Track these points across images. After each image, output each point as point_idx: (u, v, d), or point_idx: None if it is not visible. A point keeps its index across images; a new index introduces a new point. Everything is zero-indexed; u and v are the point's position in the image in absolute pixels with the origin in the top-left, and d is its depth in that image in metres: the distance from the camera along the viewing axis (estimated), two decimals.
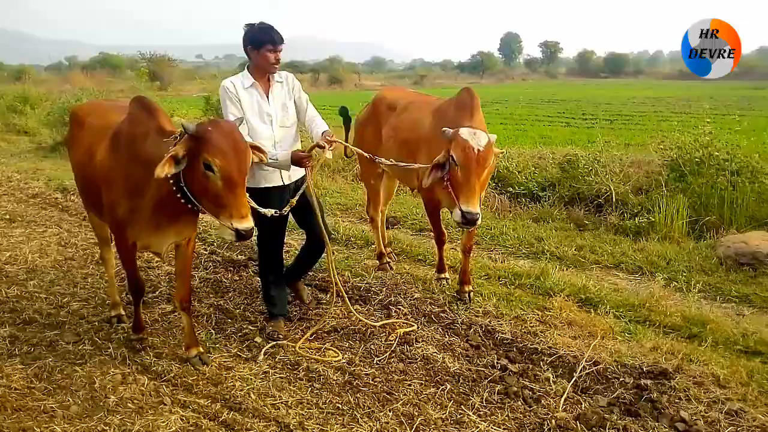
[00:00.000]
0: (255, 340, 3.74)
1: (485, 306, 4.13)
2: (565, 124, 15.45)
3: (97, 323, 3.95)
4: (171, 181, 2.83)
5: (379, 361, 3.49)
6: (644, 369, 3.29)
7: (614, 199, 6.43)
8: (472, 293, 4.26)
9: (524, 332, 3.77)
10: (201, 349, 3.51)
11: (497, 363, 3.41)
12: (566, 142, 11.10)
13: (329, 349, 3.61)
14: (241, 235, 2.77)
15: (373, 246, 5.41)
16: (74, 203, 7.06)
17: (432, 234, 6.05)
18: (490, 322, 3.92)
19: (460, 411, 2.99)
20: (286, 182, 3.67)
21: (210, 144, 2.71)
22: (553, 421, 2.88)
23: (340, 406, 3.05)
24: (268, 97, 3.58)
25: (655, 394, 3.05)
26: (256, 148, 3.09)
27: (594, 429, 2.83)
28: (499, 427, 2.87)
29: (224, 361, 3.49)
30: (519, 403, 3.05)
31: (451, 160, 3.58)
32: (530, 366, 3.40)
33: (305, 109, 3.74)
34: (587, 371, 3.30)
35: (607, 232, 5.95)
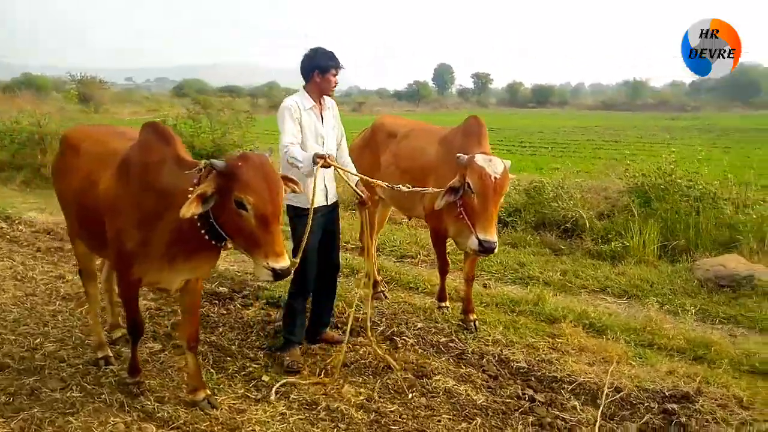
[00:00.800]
0: (262, 378, 3.50)
1: (493, 334, 4.06)
2: (506, 151, 15.93)
3: (81, 366, 3.59)
4: (195, 216, 2.63)
5: (400, 396, 3.34)
6: (666, 393, 3.31)
7: (588, 225, 6.59)
8: (477, 321, 4.19)
9: (539, 360, 3.73)
10: (208, 392, 3.24)
11: (522, 393, 3.34)
12: (514, 169, 11.38)
13: (341, 386, 3.42)
14: (278, 275, 2.60)
15: (359, 274, 5.27)
16: (23, 233, 6.51)
17: (415, 261, 6.06)
18: (501, 350, 3.85)
19: None
20: (329, 202, 3.67)
21: (241, 181, 2.55)
22: None
23: None
24: (322, 120, 3.63)
25: (684, 418, 3.07)
26: (288, 179, 2.92)
27: None
28: None
29: (233, 404, 3.23)
30: None
31: (467, 187, 3.54)
32: (553, 395, 3.35)
33: (341, 136, 3.86)
34: (611, 398, 3.29)
35: (584, 257, 6.07)
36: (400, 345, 3.94)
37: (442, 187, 3.69)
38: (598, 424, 3.04)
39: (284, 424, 3.04)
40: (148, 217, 2.81)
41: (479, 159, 3.51)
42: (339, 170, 3.55)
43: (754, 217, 5.95)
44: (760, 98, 47.33)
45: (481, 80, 66.80)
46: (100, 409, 3.09)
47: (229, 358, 3.75)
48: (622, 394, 3.32)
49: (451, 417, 3.13)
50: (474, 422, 3.06)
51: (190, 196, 2.58)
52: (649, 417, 3.11)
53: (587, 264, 5.83)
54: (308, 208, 3.27)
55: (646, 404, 3.23)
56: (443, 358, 3.77)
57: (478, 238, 3.48)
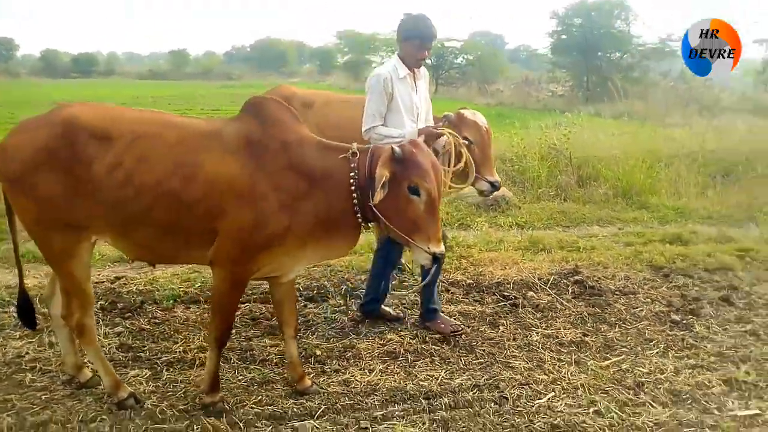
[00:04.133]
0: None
1: None
2: None
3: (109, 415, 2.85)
4: (355, 200, 2.71)
5: None
6: (563, 271, 5.10)
7: None
8: None
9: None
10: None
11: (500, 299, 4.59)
12: None
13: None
14: (437, 259, 2.70)
15: None
16: None
17: None
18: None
19: None
20: None
21: (418, 167, 2.64)
22: None
23: None
24: (416, 90, 3.59)
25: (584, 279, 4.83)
26: None
27: None
28: None
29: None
30: None
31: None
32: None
33: (429, 109, 3.83)
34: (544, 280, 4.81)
35: None
36: None
37: None
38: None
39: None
40: (293, 200, 2.68)
41: (467, 113, 3.87)
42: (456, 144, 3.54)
43: None
44: (288, 67, 55.48)
45: (5, 47, 56.29)
46: None
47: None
48: (544, 279, 4.83)
49: None
50: None
51: (352, 180, 2.68)
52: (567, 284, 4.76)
53: None
54: None
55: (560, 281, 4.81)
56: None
57: (488, 180, 3.82)
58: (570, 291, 4.65)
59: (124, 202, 2.59)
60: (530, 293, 4.56)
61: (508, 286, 4.67)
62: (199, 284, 4.47)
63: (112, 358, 3.36)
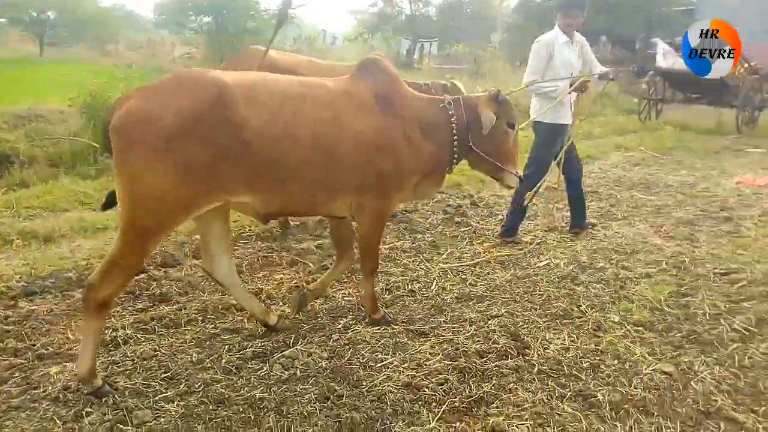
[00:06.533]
0: None
1: None
2: None
3: None
4: (455, 142, 3.23)
5: None
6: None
7: None
8: None
9: None
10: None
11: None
12: None
13: None
14: (521, 180, 3.51)
15: None
16: None
17: None
18: None
19: None
20: (569, 122, 4.74)
21: (511, 108, 3.37)
22: None
23: None
24: (574, 52, 4.65)
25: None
26: None
27: None
28: None
29: None
30: None
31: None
32: None
33: (591, 59, 4.86)
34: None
35: None
36: None
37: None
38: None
39: None
40: (417, 145, 3.13)
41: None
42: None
43: None
44: None
45: None
46: None
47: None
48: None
49: None
50: None
51: (453, 125, 3.23)
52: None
53: None
54: (558, 124, 4.64)
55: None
56: None
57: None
58: None
59: (280, 158, 2.72)
60: None
61: None
62: None
63: None
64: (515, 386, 2.84)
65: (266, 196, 2.79)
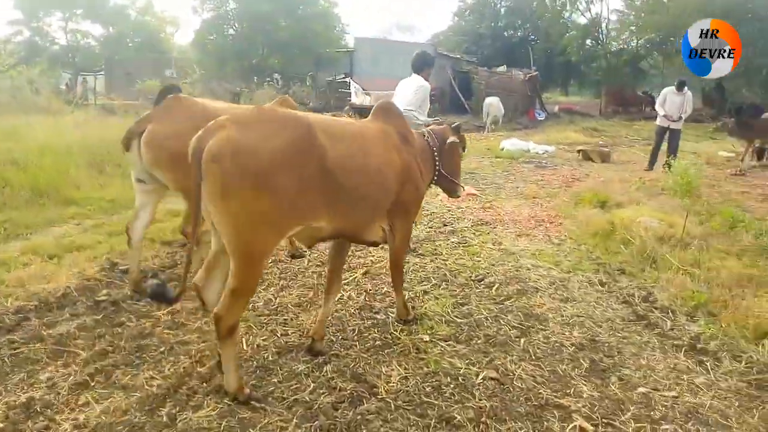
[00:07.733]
0: None
1: None
2: None
3: None
4: (437, 166, 4.03)
5: None
6: None
7: None
8: None
9: None
10: None
11: None
12: None
13: None
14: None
15: None
16: None
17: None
18: None
19: None
20: None
21: (462, 135, 4.32)
22: None
23: None
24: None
25: None
26: None
27: None
28: None
29: None
30: None
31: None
32: None
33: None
34: None
35: None
36: None
37: None
38: None
39: None
40: (422, 173, 3.80)
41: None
42: None
43: None
44: None
45: None
46: None
47: None
48: None
49: None
50: None
51: (434, 152, 4.03)
52: None
53: None
54: None
55: None
56: None
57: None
58: None
59: (352, 186, 3.05)
60: None
61: None
62: None
63: None
64: (385, 430, 2.76)
65: (335, 219, 3.05)
